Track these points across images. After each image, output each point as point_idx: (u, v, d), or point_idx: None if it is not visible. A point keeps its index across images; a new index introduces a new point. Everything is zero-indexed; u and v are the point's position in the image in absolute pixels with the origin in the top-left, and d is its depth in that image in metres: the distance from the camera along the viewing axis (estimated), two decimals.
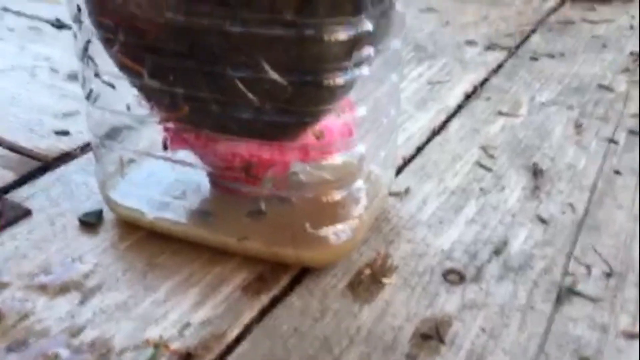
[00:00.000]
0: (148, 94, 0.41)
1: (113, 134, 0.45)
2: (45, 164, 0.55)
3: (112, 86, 0.42)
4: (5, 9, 0.88)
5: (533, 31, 0.88)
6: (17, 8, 0.89)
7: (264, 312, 0.41)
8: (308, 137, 0.43)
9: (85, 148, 0.58)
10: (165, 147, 0.43)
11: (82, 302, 0.41)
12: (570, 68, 0.77)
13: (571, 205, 0.52)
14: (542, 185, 0.55)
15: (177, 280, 0.43)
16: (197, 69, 0.38)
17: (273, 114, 0.39)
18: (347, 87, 0.39)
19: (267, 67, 0.37)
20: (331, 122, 0.41)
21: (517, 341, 0.39)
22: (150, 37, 0.38)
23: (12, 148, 0.58)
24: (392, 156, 0.51)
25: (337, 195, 0.41)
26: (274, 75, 0.37)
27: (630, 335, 0.40)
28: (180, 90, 0.39)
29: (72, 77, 0.71)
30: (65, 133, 0.60)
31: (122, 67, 0.41)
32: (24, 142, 0.58)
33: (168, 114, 0.41)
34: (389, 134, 0.48)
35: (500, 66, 0.78)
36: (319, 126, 0.41)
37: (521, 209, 0.52)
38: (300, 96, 0.38)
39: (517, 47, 0.83)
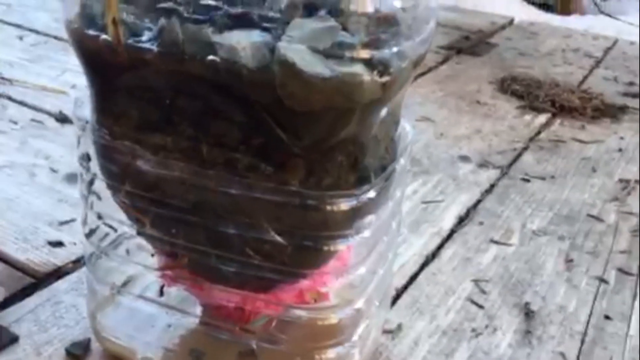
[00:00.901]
0: (149, 241, 0.42)
1: (107, 269, 0.45)
2: (36, 281, 0.55)
3: (114, 229, 0.42)
4: (10, 98, 0.90)
5: (525, 149, 0.91)
6: (20, 97, 0.90)
7: None
8: (303, 285, 0.43)
9: (77, 262, 0.58)
10: (161, 294, 0.43)
11: None
12: (560, 193, 0.79)
13: (562, 354, 0.52)
14: (534, 329, 0.55)
15: None
16: (199, 225, 0.39)
17: (270, 272, 0.39)
18: None
19: (269, 229, 0.37)
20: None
21: None
22: (155, 192, 0.38)
23: (5, 260, 0.57)
24: (388, 295, 0.51)
25: (332, 353, 0.41)
26: (275, 237, 0.37)
27: None
28: (181, 242, 0.40)
29: (71, 178, 0.71)
30: (59, 244, 0.60)
31: (126, 212, 0.41)
32: (17, 253, 0.58)
33: (167, 262, 0.41)
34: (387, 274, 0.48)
35: (493, 186, 0.80)
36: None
37: (512, 357, 0.51)
38: (299, 258, 0.39)
39: (509, 166, 0.85)
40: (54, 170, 0.73)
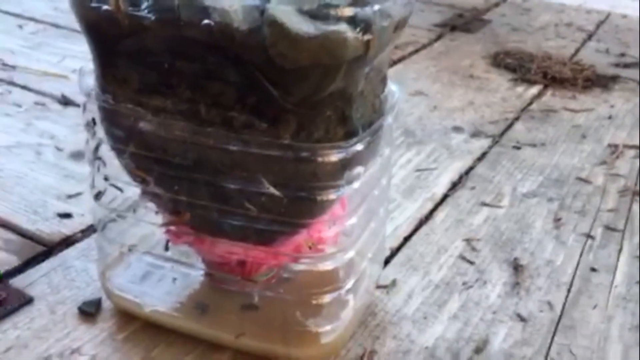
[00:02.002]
0: (153, 199, 0.44)
1: (116, 231, 0.48)
2: (48, 249, 0.58)
3: (120, 190, 0.45)
4: (13, 83, 0.92)
5: (516, 119, 0.93)
6: (23, 82, 0.93)
7: None
8: (301, 237, 0.46)
9: (86, 231, 0.61)
10: (166, 249, 0.46)
11: None
12: (550, 158, 0.81)
13: (549, 303, 0.55)
14: (522, 281, 0.57)
15: None
16: (200, 181, 0.41)
17: (269, 224, 0.42)
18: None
19: (264, 182, 0.40)
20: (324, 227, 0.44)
21: None
22: (158, 151, 0.41)
23: (17, 231, 0.60)
24: (380, 250, 0.54)
25: (328, 298, 0.44)
26: (271, 189, 0.40)
27: None
28: (184, 198, 0.42)
29: (76, 156, 0.74)
30: (68, 216, 0.63)
31: (131, 173, 0.44)
32: (28, 224, 0.61)
33: (171, 218, 0.44)
34: (380, 227, 0.50)
35: (485, 154, 0.82)
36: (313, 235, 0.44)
37: (502, 306, 0.54)
38: (295, 209, 0.41)
39: (501, 135, 0.87)
40: (59, 149, 0.75)
